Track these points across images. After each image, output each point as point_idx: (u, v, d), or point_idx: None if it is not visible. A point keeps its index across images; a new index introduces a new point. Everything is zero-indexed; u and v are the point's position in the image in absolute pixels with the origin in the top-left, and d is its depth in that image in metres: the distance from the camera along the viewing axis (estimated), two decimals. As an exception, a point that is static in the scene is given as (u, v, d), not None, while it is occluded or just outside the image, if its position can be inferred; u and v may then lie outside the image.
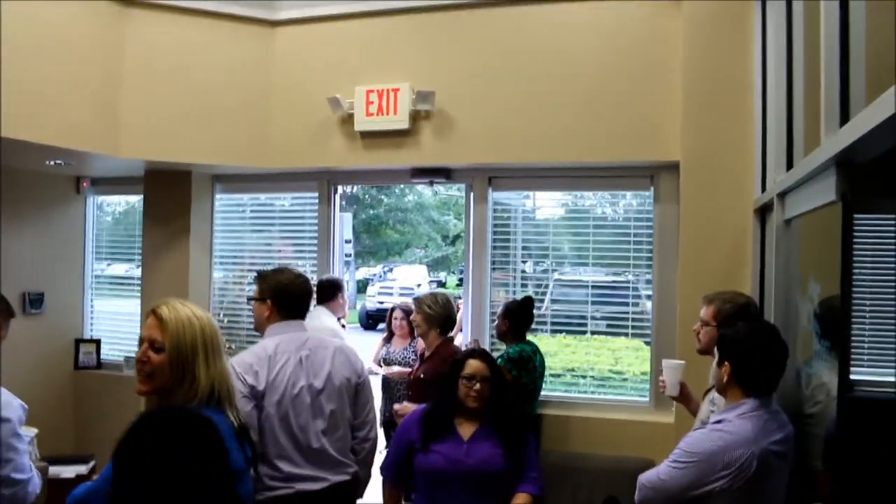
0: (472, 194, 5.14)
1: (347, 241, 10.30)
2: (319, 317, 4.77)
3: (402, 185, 23.91)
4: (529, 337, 4.71)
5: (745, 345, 2.49)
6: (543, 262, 5.22)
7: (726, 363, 2.50)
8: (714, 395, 2.88)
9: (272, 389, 2.94)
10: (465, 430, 3.21)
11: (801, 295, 3.04)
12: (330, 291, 5.01)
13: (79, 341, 6.13)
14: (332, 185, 5.46)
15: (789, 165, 3.09)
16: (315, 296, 4.84)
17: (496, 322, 4.62)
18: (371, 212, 25.21)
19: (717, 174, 4.23)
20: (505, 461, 3.15)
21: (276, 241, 5.77)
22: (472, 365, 3.23)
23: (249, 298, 3.31)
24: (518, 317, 4.59)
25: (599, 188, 5.04)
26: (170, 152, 4.99)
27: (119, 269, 6.40)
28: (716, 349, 2.61)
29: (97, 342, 6.15)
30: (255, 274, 3.34)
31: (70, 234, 6.19)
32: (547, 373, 4.83)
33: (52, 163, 5.16)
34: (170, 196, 5.56)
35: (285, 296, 3.14)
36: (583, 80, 4.60)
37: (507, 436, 3.19)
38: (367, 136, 4.96)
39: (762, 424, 2.40)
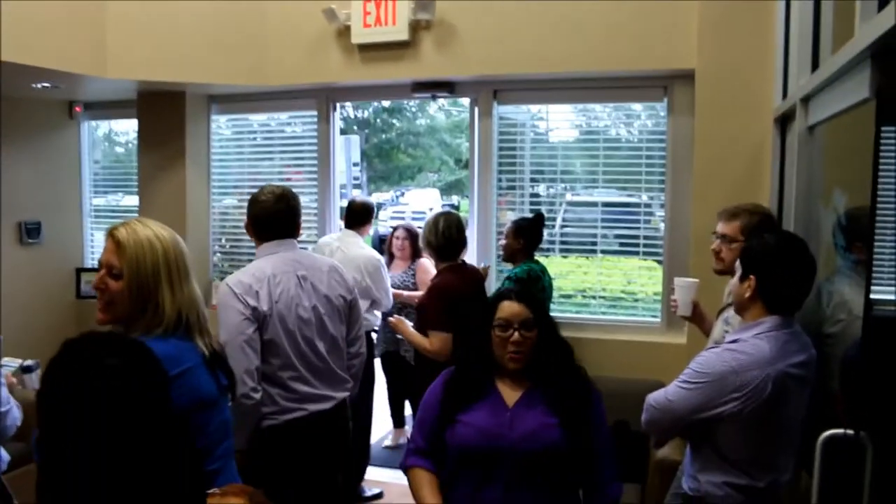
0: (476, 109, 4.90)
1: (355, 164, 10.10)
2: (358, 245, 4.67)
3: (413, 108, 23.70)
4: (539, 258, 4.55)
5: (774, 257, 2.29)
6: (553, 184, 5.00)
7: (751, 277, 2.30)
8: (729, 314, 2.71)
9: (278, 311, 2.88)
10: (509, 394, 2.39)
11: (824, 207, 2.84)
12: (365, 215, 4.85)
13: (80, 270, 6.03)
14: (332, 102, 5.23)
15: (815, 67, 2.84)
16: (345, 218, 4.84)
17: (504, 241, 4.44)
18: (383, 136, 24.96)
19: (735, 82, 3.97)
20: (563, 437, 2.29)
21: (277, 162, 5.58)
22: (507, 308, 2.39)
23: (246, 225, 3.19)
24: (530, 234, 4.42)
25: (610, 99, 4.77)
26: (160, 71, 4.76)
27: (118, 198, 6.26)
28: (738, 264, 2.41)
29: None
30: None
31: (66, 162, 6.02)
32: (556, 294, 4.69)
33: (39, 86, 4.94)
34: (164, 119, 5.35)
35: (259, 222, 3.04)
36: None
37: (565, 404, 2.36)
38: (365, 49, 4.70)
39: (781, 345, 2.23)
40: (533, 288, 4.28)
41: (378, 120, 24.62)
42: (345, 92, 5.21)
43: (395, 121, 24.66)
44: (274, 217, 3.03)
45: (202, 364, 2.05)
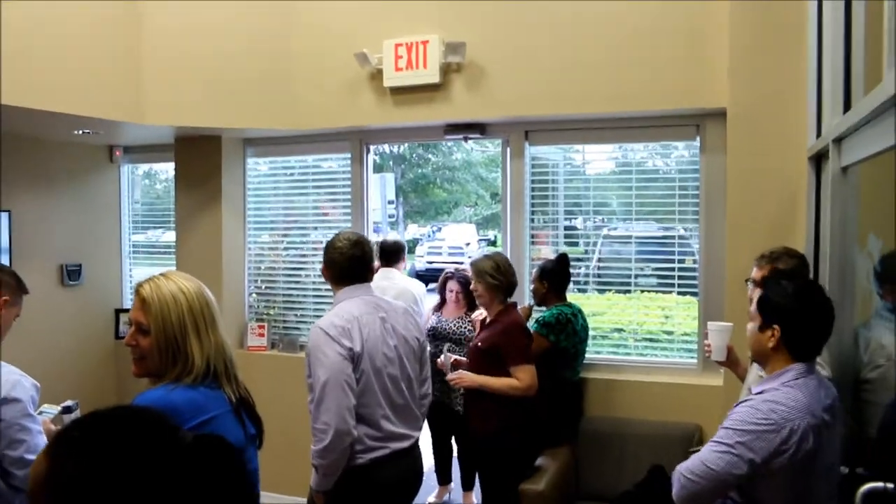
0: (508, 150, 4.92)
1: (390, 202, 10.18)
2: (403, 278, 5.28)
3: (449, 144, 23.82)
4: (577, 296, 4.51)
5: (798, 305, 2.26)
6: (587, 217, 4.97)
7: (775, 327, 2.27)
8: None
9: (368, 351, 3.02)
10: None
11: (860, 250, 2.78)
12: (396, 254, 5.25)
13: (119, 311, 6.13)
14: (365, 144, 5.29)
15: (847, 108, 2.81)
16: (379, 257, 5.12)
17: (532, 286, 4.43)
18: (418, 171, 25.10)
19: (766, 121, 3.93)
20: None
21: (312, 198, 5.64)
22: None
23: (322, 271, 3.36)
24: (555, 276, 4.40)
25: (642, 139, 4.74)
26: (195, 118, 4.86)
27: (156, 235, 6.38)
28: (757, 313, 2.36)
29: (137, 310, 6.12)
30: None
31: (106, 204, 6.17)
32: (593, 332, 4.66)
33: (79, 132, 5.09)
34: (201, 161, 5.46)
35: (338, 266, 3.18)
36: (622, 24, 4.31)
37: None
38: (397, 91, 4.76)
39: (812, 391, 2.19)
40: (563, 332, 4.25)
41: (413, 155, 24.78)
42: (377, 134, 5.26)
43: (430, 156, 24.79)
44: (351, 262, 3.17)
45: (229, 412, 2.07)
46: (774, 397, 2.19)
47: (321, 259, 3.30)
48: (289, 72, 5.01)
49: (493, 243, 23.16)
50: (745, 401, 2.29)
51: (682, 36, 4.21)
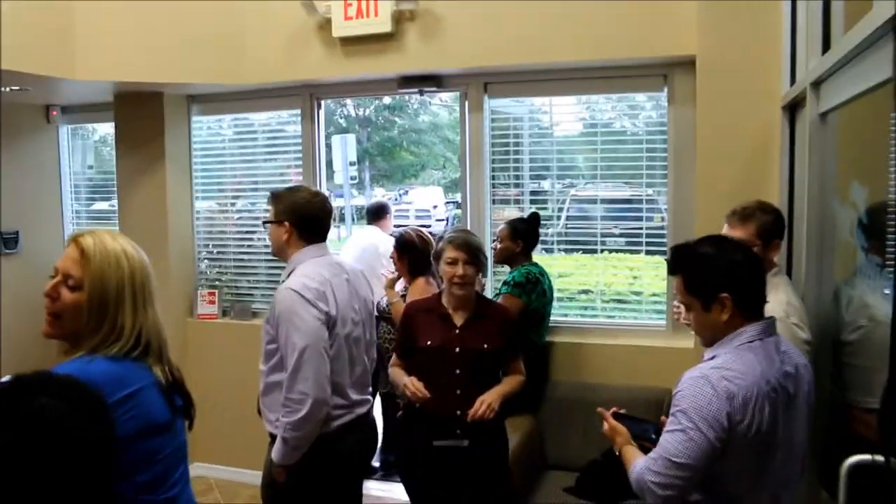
0: (466, 104, 4.65)
1: (352, 164, 9.91)
2: (372, 234, 5.86)
3: (415, 105, 23.48)
4: (543, 257, 4.30)
5: (742, 264, 2.06)
6: (553, 177, 4.71)
7: (724, 295, 2.01)
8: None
9: (341, 316, 2.89)
10: None
11: (841, 202, 2.58)
12: (380, 211, 6.05)
13: (62, 279, 5.79)
14: (316, 99, 4.98)
15: (826, 48, 2.59)
16: (367, 217, 5.96)
17: (499, 244, 4.20)
18: (385, 133, 24.78)
19: (738, 69, 3.70)
20: None
21: (263, 164, 5.34)
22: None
23: (265, 221, 3.07)
24: (527, 235, 4.19)
25: (607, 90, 4.51)
26: (132, 72, 4.52)
27: (102, 204, 6.03)
28: (691, 297, 2.09)
29: (81, 279, 5.82)
30: (269, 194, 3.08)
31: (44, 168, 5.78)
32: (560, 294, 4.49)
33: (7, 90, 4.72)
34: (142, 121, 5.12)
35: (304, 216, 2.94)
36: (585, -33, 4.04)
37: None
38: (347, 42, 4.46)
39: (767, 355, 1.99)
40: (533, 291, 4.05)
41: (380, 118, 24.44)
42: (328, 88, 4.95)
43: (397, 118, 24.46)
44: (321, 215, 2.98)
45: (154, 385, 1.88)
46: (724, 362, 1.97)
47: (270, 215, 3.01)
48: (231, 23, 4.68)
49: (461, 206, 22.88)
50: (693, 371, 2.03)
51: (648, -21, 3.95)
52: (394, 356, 3.40)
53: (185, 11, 4.55)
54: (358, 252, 5.83)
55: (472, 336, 3.21)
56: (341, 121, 23.47)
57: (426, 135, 24.36)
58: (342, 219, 17.00)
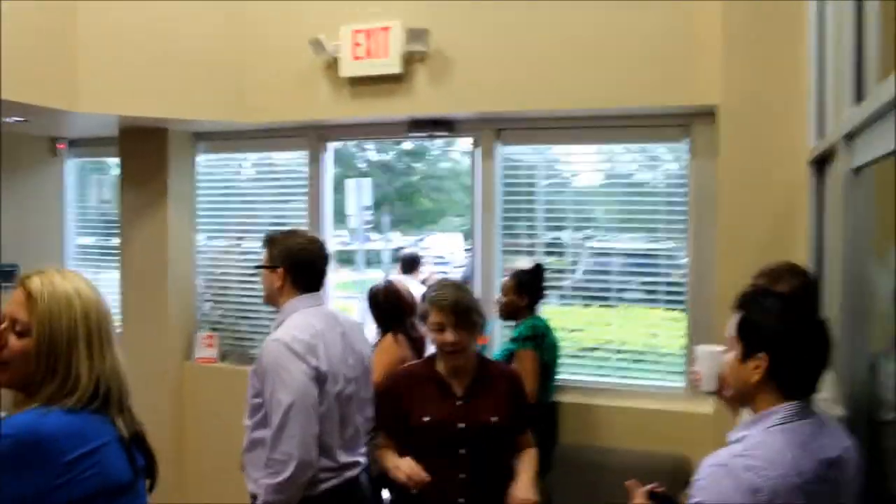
0: (478, 151, 4.48)
1: (367, 208, 9.78)
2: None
3: (436, 152, 23.52)
4: (560, 309, 4.15)
5: (788, 327, 1.78)
6: (570, 228, 4.51)
7: (761, 356, 1.77)
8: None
9: (332, 372, 2.68)
10: None
11: (878, 265, 2.35)
12: (414, 263, 6.46)
13: (59, 317, 5.63)
14: (323, 141, 4.84)
15: (859, 98, 2.39)
16: (400, 267, 6.38)
17: (504, 298, 3.98)
18: (405, 179, 24.81)
19: (762, 120, 3.52)
20: None
21: (268, 206, 5.18)
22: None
23: (258, 266, 2.87)
24: (532, 287, 3.97)
25: (625, 139, 4.32)
26: (134, 106, 4.40)
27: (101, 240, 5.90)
28: (737, 340, 1.85)
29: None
30: (264, 237, 2.89)
31: (48, 202, 5.69)
32: (576, 348, 4.35)
33: (10, 120, 4.62)
34: (145, 157, 5.00)
35: (299, 263, 2.74)
36: (605, 13, 3.89)
37: None
38: (356, 83, 4.32)
39: (803, 440, 1.71)
40: (541, 347, 3.84)
41: (400, 163, 24.49)
42: (336, 130, 4.81)
43: (417, 164, 24.50)
44: (317, 263, 2.79)
45: (115, 441, 1.72)
46: (751, 449, 1.71)
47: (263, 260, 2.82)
48: (239, 60, 4.57)
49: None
50: (714, 458, 1.76)
51: (669, 27, 3.80)
52: (380, 436, 2.90)
53: (191, 47, 4.46)
54: None
55: (476, 407, 2.73)
56: (362, 165, 23.53)
57: (446, 181, 24.31)
58: (351, 262, 16.84)
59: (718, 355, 2.63)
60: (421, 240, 22.89)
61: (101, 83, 4.27)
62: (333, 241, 5.02)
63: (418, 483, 2.62)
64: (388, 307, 3.97)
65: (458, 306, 2.71)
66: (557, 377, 4.09)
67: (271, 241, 2.80)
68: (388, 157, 24.09)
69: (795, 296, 1.94)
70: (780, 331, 1.77)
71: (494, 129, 4.40)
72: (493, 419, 2.72)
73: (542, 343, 3.88)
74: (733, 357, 1.85)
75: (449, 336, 2.71)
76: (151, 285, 4.97)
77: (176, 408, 5.03)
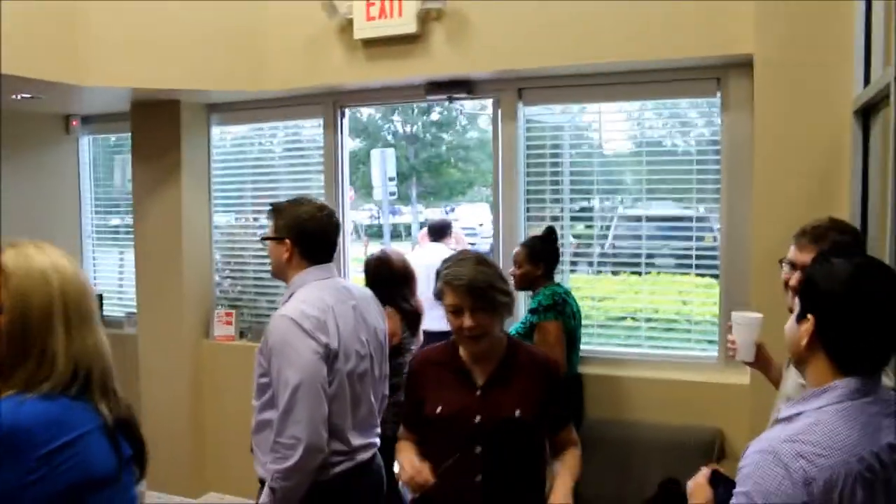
0: (499, 112, 4.29)
1: (391, 179, 9.53)
2: (437, 253, 5.40)
3: (463, 121, 23.25)
4: (589, 277, 4.02)
5: (846, 291, 1.53)
6: (597, 195, 4.31)
7: (809, 317, 1.57)
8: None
9: (344, 349, 2.53)
10: None
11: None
12: (444, 230, 6.16)
13: (80, 296, 5.58)
14: (339, 107, 4.67)
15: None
16: (428, 235, 6.13)
17: (518, 271, 3.78)
18: (433, 150, 24.59)
19: (801, 67, 3.27)
20: None
21: (286, 178, 5.04)
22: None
23: (263, 238, 2.71)
24: (547, 256, 3.78)
25: (654, 96, 4.08)
26: (144, 78, 4.25)
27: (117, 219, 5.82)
28: (796, 298, 1.66)
29: (99, 297, 5.61)
30: (270, 207, 2.71)
31: (63, 179, 5.60)
32: (604, 317, 4.19)
33: (18, 97, 4.51)
34: (158, 131, 4.87)
35: (307, 233, 2.57)
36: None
37: None
38: (370, 45, 4.14)
39: (866, 419, 1.48)
40: (563, 315, 3.66)
41: (427, 134, 24.25)
42: (352, 96, 4.64)
43: (444, 134, 24.24)
44: (328, 232, 2.61)
45: (99, 430, 1.57)
46: (802, 432, 1.48)
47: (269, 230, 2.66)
48: (250, 27, 4.40)
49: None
50: (762, 441, 1.54)
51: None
52: (401, 427, 2.60)
53: (201, 16, 4.29)
54: (425, 273, 5.39)
55: (498, 399, 2.33)
56: (388, 136, 23.36)
57: (474, 151, 24.00)
58: (380, 235, 16.71)
59: (756, 323, 2.44)
60: (451, 210, 22.72)
61: (110, 56, 4.12)
62: (362, 214, 4.84)
63: (420, 487, 2.26)
64: (379, 278, 3.80)
65: (473, 287, 2.28)
66: (581, 347, 3.92)
67: (277, 210, 2.64)
68: (416, 128, 23.87)
69: (873, 260, 1.70)
70: (829, 291, 1.56)
71: (515, 88, 4.19)
72: (517, 412, 2.32)
73: (563, 311, 3.70)
74: (793, 318, 1.65)
75: (467, 321, 2.28)
76: (167, 263, 4.87)
77: (195, 385, 4.94)
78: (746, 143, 3.64)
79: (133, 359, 4.94)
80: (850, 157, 3.05)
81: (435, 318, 5.47)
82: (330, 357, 2.47)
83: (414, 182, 23.86)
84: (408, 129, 24.08)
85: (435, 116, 22.71)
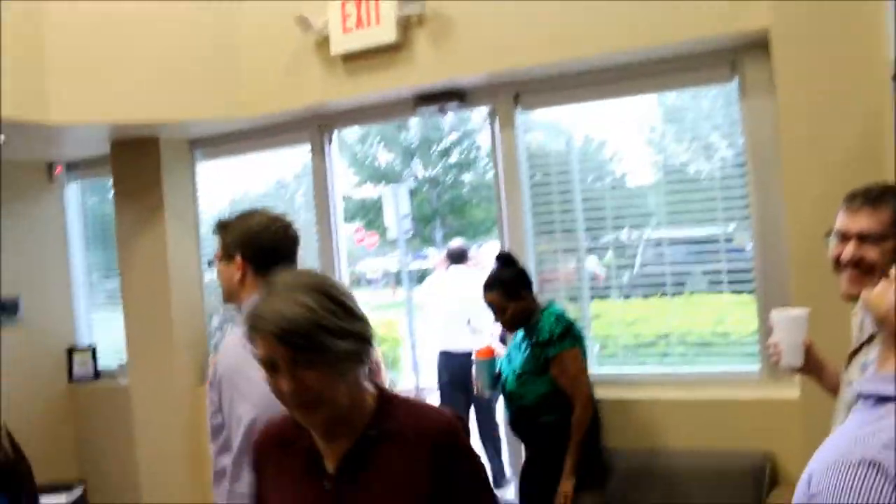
0: (495, 120, 3.94)
1: (405, 217, 9.19)
2: (463, 276, 5.74)
3: (483, 162, 23.13)
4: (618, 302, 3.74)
5: None
6: (601, 221, 3.93)
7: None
8: (869, 357, 1.62)
9: None
10: None
11: None
12: (460, 256, 5.99)
13: (71, 350, 5.33)
14: (325, 131, 4.36)
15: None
16: (447, 260, 6.02)
17: (507, 314, 3.26)
18: (453, 191, 24.62)
19: (825, 35, 2.91)
20: None
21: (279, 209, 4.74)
22: None
23: (210, 261, 2.45)
24: (522, 280, 3.31)
25: (663, 87, 3.72)
26: (113, 111, 3.99)
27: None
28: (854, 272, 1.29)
29: (93, 350, 5.32)
30: (215, 223, 2.39)
31: (48, 230, 5.33)
32: (634, 342, 3.88)
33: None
34: (138, 170, 4.61)
35: (260, 247, 2.23)
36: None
37: None
38: (350, 59, 3.83)
39: None
40: (578, 339, 3.23)
41: (449, 176, 24.30)
42: (337, 117, 4.32)
43: (465, 176, 24.28)
44: (285, 246, 2.27)
45: None
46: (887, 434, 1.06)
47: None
48: (224, 50, 4.12)
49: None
50: (844, 450, 1.15)
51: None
52: None
53: (171, 42, 4.04)
54: (457, 300, 5.63)
55: (354, 497, 1.50)
56: (410, 179, 23.44)
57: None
58: (398, 280, 16.34)
59: (802, 318, 2.03)
60: (479, 247, 22.49)
61: (74, 90, 3.89)
62: (388, 261, 4.55)
63: None
64: None
65: (289, 330, 1.40)
66: (608, 370, 3.51)
67: (223, 226, 2.31)
68: (436, 171, 23.93)
69: None
70: None
71: (511, 93, 3.85)
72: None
73: (579, 335, 3.26)
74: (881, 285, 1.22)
75: (285, 382, 1.43)
76: (154, 310, 4.57)
77: (190, 433, 4.57)
78: (769, 129, 3.26)
79: (126, 410, 4.69)
80: (891, 131, 2.66)
81: (454, 337, 5.43)
82: None
83: (438, 224, 23.78)
84: (429, 172, 24.13)
85: (454, 158, 22.74)
